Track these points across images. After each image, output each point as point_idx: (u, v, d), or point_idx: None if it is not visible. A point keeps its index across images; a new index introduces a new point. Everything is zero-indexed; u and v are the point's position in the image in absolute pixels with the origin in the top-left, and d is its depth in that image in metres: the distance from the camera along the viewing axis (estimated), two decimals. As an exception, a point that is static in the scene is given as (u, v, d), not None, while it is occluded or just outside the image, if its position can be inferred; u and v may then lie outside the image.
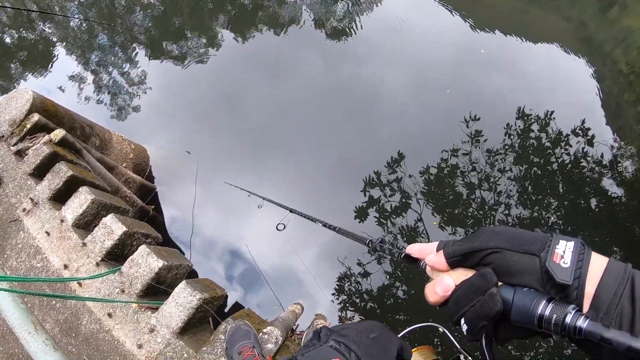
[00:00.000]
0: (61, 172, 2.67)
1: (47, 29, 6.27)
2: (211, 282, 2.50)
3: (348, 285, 4.00)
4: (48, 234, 2.50)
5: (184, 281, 2.24)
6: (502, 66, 5.94)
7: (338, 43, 5.82)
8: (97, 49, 5.89)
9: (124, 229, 2.43)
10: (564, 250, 0.49)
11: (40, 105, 3.06)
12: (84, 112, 3.73)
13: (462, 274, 0.55)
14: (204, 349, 2.14)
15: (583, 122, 5.18)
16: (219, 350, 2.14)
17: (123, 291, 2.28)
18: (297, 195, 4.42)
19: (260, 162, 4.65)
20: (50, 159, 2.79)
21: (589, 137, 5.10)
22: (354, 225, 4.23)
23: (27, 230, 2.54)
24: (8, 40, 6.15)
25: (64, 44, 6.01)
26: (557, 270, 0.48)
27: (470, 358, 0.64)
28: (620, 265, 0.49)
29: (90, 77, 5.57)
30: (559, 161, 4.88)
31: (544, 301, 0.48)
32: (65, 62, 5.75)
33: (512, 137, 5.00)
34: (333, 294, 3.98)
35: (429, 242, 0.65)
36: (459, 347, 0.68)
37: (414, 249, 0.66)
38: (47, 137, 2.92)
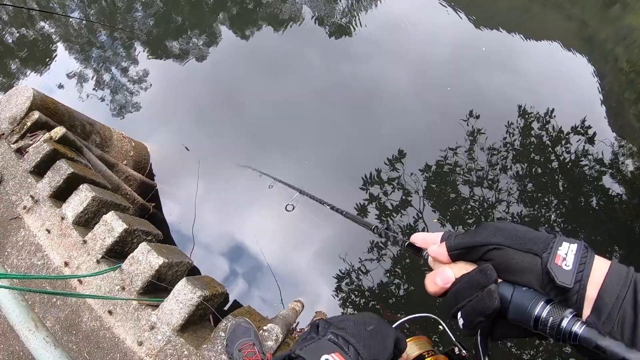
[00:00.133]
0: (61, 170, 2.67)
1: (47, 27, 6.26)
2: (212, 280, 2.50)
3: (348, 283, 4.01)
4: (48, 231, 2.50)
5: (184, 278, 2.24)
6: (503, 64, 5.94)
7: (339, 40, 5.81)
8: (98, 46, 5.89)
9: (125, 226, 2.43)
10: (567, 253, 0.49)
11: (41, 103, 3.06)
12: (85, 110, 3.73)
13: (463, 268, 0.55)
14: (205, 346, 2.14)
15: (584, 120, 5.17)
16: (219, 347, 2.14)
17: (123, 288, 2.28)
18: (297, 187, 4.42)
19: (260, 159, 4.65)
20: (51, 157, 2.79)
21: (589, 136, 5.09)
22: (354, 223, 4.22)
23: (27, 227, 2.54)
24: (9, 38, 6.15)
25: (64, 41, 6.01)
26: (559, 272, 0.48)
27: (464, 351, 0.64)
28: (623, 268, 0.48)
29: (90, 75, 5.56)
30: (560, 159, 4.88)
31: (542, 302, 0.48)
32: (65, 60, 5.75)
33: (512, 135, 5.00)
34: (334, 291, 3.98)
35: None
36: (453, 339, 0.68)
37: (419, 238, 0.66)
38: (47, 134, 2.93)
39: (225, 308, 3.58)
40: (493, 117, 5.06)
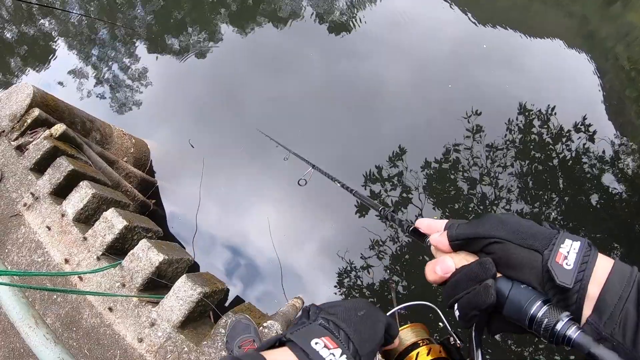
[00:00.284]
0: (62, 167, 2.67)
1: (47, 24, 6.26)
2: (212, 276, 2.50)
3: (348, 280, 4.01)
4: (49, 228, 2.51)
5: (184, 275, 2.24)
6: (503, 61, 5.92)
7: (339, 37, 5.80)
8: (98, 43, 5.88)
9: (125, 223, 2.43)
10: (569, 251, 0.48)
11: (41, 100, 3.06)
12: (85, 107, 3.73)
13: (464, 258, 0.55)
14: (205, 342, 2.15)
15: (584, 118, 5.16)
16: (220, 344, 2.15)
17: (124, 285, 2.28)
18: (299, 188, 4.43)
19: (261, 156, 4.65)
20: (51, 154, 2.79)
21: (590, 133, 5.08)
22: (354, 219, 4.23)
23: (28, 225, 2.54)
24: (8, 35, 6.14)
25: (64, 38, 6.00)
26: (559, 271, 0.47)
27: (459, 342, 0.64)
28: (627, 268, 0.47)
29: (90, 72, 5.56)
30: (560, 157, 4.87)
31: (539, 302, 0.47)
32: (65, 57, 5.75)
33: (513, 132, 4.99)
34: (334, 287, 3.99)
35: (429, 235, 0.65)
36: (449, 329, 0.68)
37: (424, 224, 0.65)
38: (47, 131, 2.93)
39: (226, 305, 3.58)
40: (494, 114, 5.05)
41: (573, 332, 0.44)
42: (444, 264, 0.55)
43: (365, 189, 4.48)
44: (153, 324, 2.16)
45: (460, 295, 0.52)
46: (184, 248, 2.91)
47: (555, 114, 5.14)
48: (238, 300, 3.73)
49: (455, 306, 0.53)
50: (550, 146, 4.95)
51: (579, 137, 5.04)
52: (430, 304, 0.76)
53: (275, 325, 2.32)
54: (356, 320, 0.56)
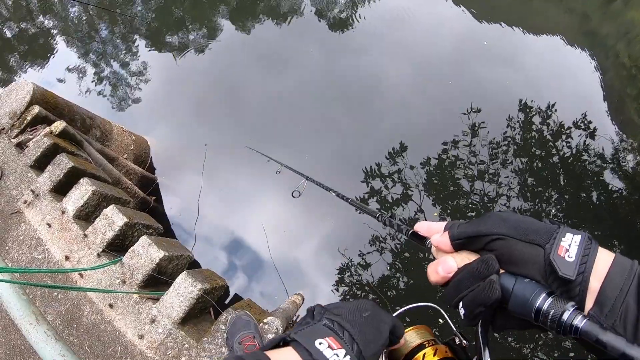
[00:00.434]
0: (62, 164, 2.67)
1: (46, 21, 6.25)
2: (212, 273, 2.51)
3: (348, 277, 4.02)
4: (49, 225, 2.51)
5: (184, 272, 2.25)
6: (504, 58, 5.91)
7: (339, 34, 5.79)
8: (97, 40, 5.87)
9: (125, 220, 2.43)
10: (570, 244, 0.49)
11: (41, 98, 3.06)
12: (85, 104, 3.73)
13: (466, 257, 0.55)
14: (205, 339, 2.15)
15: (585, 115, 5.16)
16: (220, 340, 2.15)
17: (124, 282, 2.29)
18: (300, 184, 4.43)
19: (261, 152, 4.65)
20: (51, 151, 2.79)
21: (590, 130, 5.08)
22: (355, 215, 4.24)
23: (28, 222, 2.54)
24: (8, 32, 6.13)
25: (64, 36, 5.99)
26: (561, 263, 0.47)
27: (465, 341, 0.64)
28: (627, 261, 0.48)
29: (90, 69, 5.55)
30: (560, 154, 4.87)
31: (544, 294, 0.47)
32: (65, 54, 5.74)
33: (513, 129, 4.99)
34: (334, 285, 3.99)
35: None
36: (454, 329, 0.68)
37: (423, 227, 0.66)
38: (47, 129, 2.92)
39: (226, 301, 3.59)
40: (494, 111, 5.05)
41: (580, 321, 0.45)
42: (446, 264, 0.55)
43: (367, 185, 4.48)
44: (153, 321, 2.17)
45: (464, 293, 0.52)
46: (184, 245, 2.91)
47: (555, 111, 5.14)
48: (238, 297, 3.74)
49: (460, 305, 0.53)
50: (551, 143, 4.95)
51: (579, 135, 5.04)
52: (435, 305, 0.76)
53: (275, 321, 2.33)
54: (361, 321, 0.56)
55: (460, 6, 6.28)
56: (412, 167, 4.57)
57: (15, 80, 4.87)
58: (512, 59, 5.94)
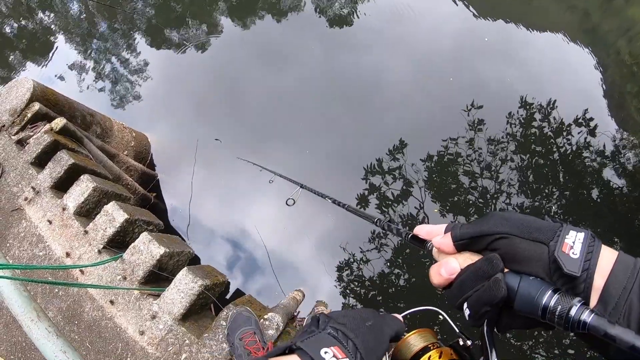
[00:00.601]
0: (62, 161, 2.67)
1: (46, 18, 6.24)
2: (213, 269, 2.51)
3: (349, 273, 4.02)
4: (50, 222, 2.51)
5: (185, 268, 2.25)
6: (505, 55, 5.90)
7: (340, 30, 5.78)
8: (97, 37, 5.87)
9: (126, 216, 2.44)
10: (574, 241, 0.48)
11: (41, 95, 3.06)
12: (85, 101, 3.72)
13: (469, 258, 0.55)
14: (206, 335, 2.15)
15: (585, 112, 5.15)
16: (221, 336, 2.16)
17: (125, 278, 2.29)
18: (300, 181, 4.43)
19: (261, 149, 4.65)
20: (52, 148, 2.79)
21: (591, 127, 5.07)
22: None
23: (29, 219, 2.55)
24: (8, 29, 6.12)
25: (64, 32, 5.98)
26: (566, 260, 0.47)
27: (469, 342, 0.64)
28: (630, 259, 0.48)
29: (90, 66, 5.55)
30: (561, 151, 4.87)
31: (550, 291, 0.47)
32: (65, 51, 5.73)
33: (514, 125, 4.98)
34: (335, 280, 4.00)
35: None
36: (457, 330, 0.68)
37: (422, 230, 0.65)
38: (47, 126, 2.92)
39: (227, 297, 3.60)
40: (495, 108, 5.04)
41: (587, 316, 0.44)
42: (448, 266, 0.55)
43: (366, 182, 4.48)
44: (154, 317, 2.17)
45: (469, 293, 0.52)
46: (185, 241, 2.91)
47: (556, 107, 5.13)
48: (239, 293, 3.75)
49: (465, 305, 0.52)
50: (551, 140, 4.94)
51: (580, 132, 5.03)
52: (436, 309, 0.75)
53: (276, 317, 2.33)
54: (364, 330, 0.57)
55: (461, 2, 6.26)
56: (412, 164, 4.57)
57: (15, 78, 4.86)
58: (512, 55, 5.92)
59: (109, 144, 3.71)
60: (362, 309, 0.62)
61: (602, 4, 7.51)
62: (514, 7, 6.84)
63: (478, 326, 0.53)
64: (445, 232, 0.59)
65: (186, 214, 4.22)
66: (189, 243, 3.83)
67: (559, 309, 0.46)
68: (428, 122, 5.04)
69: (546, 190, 4.60)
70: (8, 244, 2.52)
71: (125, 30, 5.86)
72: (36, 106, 2.93)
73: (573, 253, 0.48)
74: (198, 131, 4.75)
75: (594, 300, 0.47)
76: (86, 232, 2.44)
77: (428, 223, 0.67)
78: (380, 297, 3.93)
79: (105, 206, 2.49)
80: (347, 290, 3.96)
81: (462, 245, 0.56)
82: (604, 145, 4.94)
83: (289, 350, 0.54)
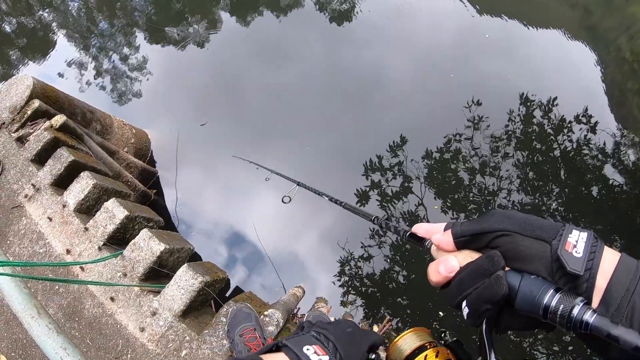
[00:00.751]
0: (62, 158, 2.67)
1: (46, 15, 6.22)
2: (213, 265, 2.51)
3: (349, 269, 4.03)
4: (50, 219, 2.51)
5: (185, 264, 2.25)
6: (505, 51, 5.89)
7: (340, 27, 5.77)
8: (97, 34, 5.85)
9: (126, 213, 2.44)
10: (577, 240, 0.48)
11: (41, 92, 3.05)
12: (85, 98, 3.72)
13: (468, 256, 0.54)
14: (206, 331, 2.16)
15: (586, 109, 5.15)
16: (221, 332, 2.16)
17: (125, 275, 2.29)
18: (298, 177, 4.42)
19: (261, 146, 4.65)
20: (52, 145, 2.79)
21: (591, 125, 5.07)
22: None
23: (29, 216, 2.55)
24: (7, 27, 6.11)
25: (64, 30, 5.97)
26: (569, 259, 0.46)
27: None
28: (633, 261, 0.47)
29: (90, 63, 5.54)
30: (561, 148, 4.87)
31: (552, 290, 0.46)
32: (65, 48, 5.72)
33: (514, 122, 4.98)
34: (335, 276, 4.00)
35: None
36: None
37: (421, 229, 0.65)
38: (47, 123, 2.92)
39: (227, 294, 3.60)
40: (495, 105, 5.04)
41: (590, 316, 0.44)
42: (447, 264, 0.54)
43: (367, 178, 4.48)
44: (155, 313, 2.17)
45: (469, 291, 0.51)
46: (185, 237, 2.91)
47: (557, 104, 5.13)
48: (239, 290, 3.75)
49: (463, 304, 0.51)
50: (552, 137, 4.94)
51: (580, 129, 5.03)
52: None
53: (276, 314, 2.33)
54: (343, 335, 0.61)
55: (461, -1, 6.25)
56: (413, 160, 4.57)
57: (15, 75, 4.86)
58: (513, 52, 5.91)
59: (109, 140, 3.71)
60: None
61: (603, 1, 7.49)
62: (514, 3, 6.83)
63: (477, 325, 0.52)
64: (445, 230, 0.58)
65: (186, 210, 4.23)
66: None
67: (560, 308, 0.45)
68: (428, 119, 5.03)
69: (546, 187, 4.60)
70: (8, 241, 2.52)
71: (124, 27, 5.85)
72: (36, 103, 2.93)
73: (576, 252, 0.47)
74: (198, 128, 4.75)
75: (596, 301, 0.46)
76: (86, 229, 2.44)
77: (428, 220, 0.67)
78: (380, 294, 3.94)
79: (105, 203, 2.49)
80: (347, 287, 3.97)
81: (462, 242, 0.55)
82: (605, 143, 4.94)
83: (276, 348, 0.58)
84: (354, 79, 5.25)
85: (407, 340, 0.66)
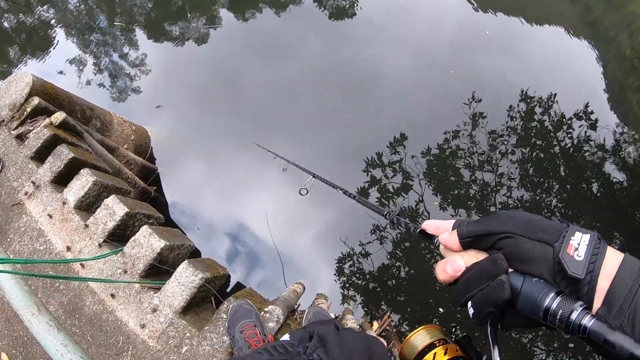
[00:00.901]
0: (62, 155, 2.67)
1: (45, 13, 6.21)
2: (213, 262, 2.51)
3: (349, 266, 4.03)
4: (50, 216, 2.51)
5: (186, 261, 2.25)
6: (506, 48, 5.88)
7: (340, 23, 5.76)
8: (97, 31, 5.84)
9: (126, 210, 2.44)
10: (579, 243, 0.48)
11: (40, 89, 3.05)
12: (85, 95, 3.71)
13: (474, 256, 0.55)
14: (206, 328, 2.16)
15: (586, 106, 5.14)
16: (221, 329, 2.16)
17: (125, 272, 2.29)
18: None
19: (261, 142, 4.65)
20: (51, 142, 2.79)
21: (592, 121, 5.07)
22: (355, 205, 4.24)
23: (29, 213, 2.55)
24: (7, 24, 6.10)
25: (63, 27, 5.96)
26: (570, 262, 0.47)
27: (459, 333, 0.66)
28: (636, 261, 0.48)
29: (89, 60, 5.53)
30: (561, 145, 4.87)
31: (552, 294, 0.47)
32: (64, 46, 5.71)
33: (514, 119, 4.98)
34: (335, 274, 4.01)
35: None
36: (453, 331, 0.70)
37: (431, 225, 0.66)
38: (47, 120, 2.92)
39: (227, 290, 3.61)
40: (495, 101, 5.04)
41: (588, 321, 0.45)
42: (454, 263, 0.55)
43: (367, 175, 4.48)
44: (155, 310, 2.18)
45: (473, 292, 0.52)
46: (185, 234, 2.92)
47: (557, 101, 5.12)
48: (239, 286, 3.76)
49: (469, 304, 0.53)
50: (552, 134, 4.94)
51: (581, 125, 5.03)
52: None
53: (276, 310, 2.34)
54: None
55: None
56: (413, 157, 4.57)
57: (14, 72, 4.85)
58: (513, 48, 5.91)
59: (108, 137, 3.70)
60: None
61: (604, -2, 7.49)
62: (515, 0, 6.81)
63: (482, 325, 0.53)
64: (453, 228, 0.59)
65: (186, 207, 4.23)
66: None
67: (560, 312, 0.46)
68: (429, 115, 5.03)
69: (546, 184, 4.60)
70: (9, 239, 2.52)
71: (124, 24, 5.84)
72: (35, 100, 2.92)
73: (577, 255, 0.47)
74: (198, 124, 4.75)
75: (598, 303, 0.47)
76: (86, 226, 2.44)
77: (429, 217, 0.67)
78: (380, 290, 3.94)
79: (105, 200, 2.49)
80: (347, 283, 3.97)
81: (467, 243, 0.56)
82: (605, 140, 4.94)
83: None
84: (354, 75, 5.25)
85: (419, 338, 0.68)
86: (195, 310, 2.30)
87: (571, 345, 3.77)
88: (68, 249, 2.40)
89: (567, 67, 5.83)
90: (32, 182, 2.61)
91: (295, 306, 2.97)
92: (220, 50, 5.50)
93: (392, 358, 0.64)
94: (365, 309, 3.82)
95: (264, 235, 4.05)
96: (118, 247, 2.37)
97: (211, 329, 2.16)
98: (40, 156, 2.78)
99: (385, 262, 4.02)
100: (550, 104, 5.12)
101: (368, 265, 4.01)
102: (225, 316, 2.21)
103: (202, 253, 3.90)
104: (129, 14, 5.92)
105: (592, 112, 5.10)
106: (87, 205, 2.60)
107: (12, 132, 2.86)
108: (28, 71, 3.11)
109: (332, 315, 2.62)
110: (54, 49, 5.69)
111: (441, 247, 0.61)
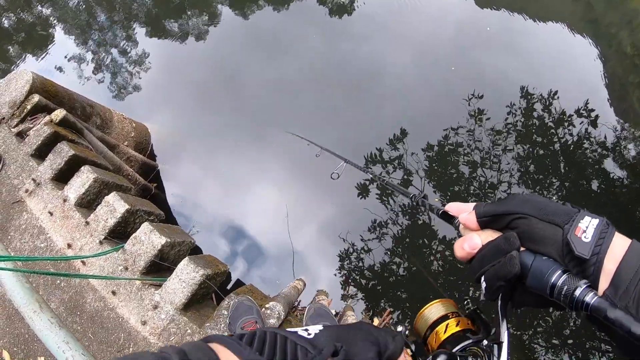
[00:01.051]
0: (63, 152, 2.67)
1: (45, 10, 6.19)
2: (214, 259, 2.52)
3: (349, 263, 4.03)
4: (51, 214, 2.51)
5: (186, 257, 2.25)
6: (507, 44, 5.87)
7: (340, 19, 5.75)
8: (96, 28, 5.83)
9: (127, 206, 2.44)
10: (587, 226, 0.51)
11: (40, 86, 3.05)
12: (85, 92, 3.71)
13: (490, 235, 0.58)
14: (207, 324, 2.17)
15: (587, 103, 5.13)
16: (222, 325, 2.17)
17: (126, 269, 2.30)
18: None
19: (261, 140, 4.64)
20: (52, 139, 2.79)
21: (592, 118, 5.06)
22: (356, 202, 4.25)
23: (30, 211, 2.55)
24: (6, 22, 6.08)
25: (63, 24, 5.95)
26: (577, 243, 0.50)
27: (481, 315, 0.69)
28: None
29: (89, 57, 5.52)
30: (562, 141, 4.86)
31: (559, 271, 0.50)
32: (64, 43, 5.70)
33: (515, 115, 4.97)
34: (336, 269, 4.01)
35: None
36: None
37: (453, 207, 0.70)
38: (47, 117, 2.92)
39: (228, 287, 3.61)
40: (496, 98, 5.03)
41: (590, 298, 0.47)
42: (471, 241, 0.58)
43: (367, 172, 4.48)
44: (156, 307, 2.18)
45: (487, 267, 0.55)
46: (186, 231, 2.92)
47: (557, 98, 5.11)
48: (240, 283, 3.76)
49: (482, 279, 0.56)
50: (552, 130, 4.93)
51: (581, 122, 5.02)
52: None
53: (277, 306, 2.34)
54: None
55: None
56: (413, 153, 4.56)
57: (14, 70, 4.85)
58: (514, 45, 5.89)
59: (109, 134, 3.70)
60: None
61: (605, -5, 7.45)
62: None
63: (493, 300, 0.57)
64: (473, 209, 0.62)
65: (186, 205, 4.23)
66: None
67: (565, 288, 0.49)
68: (429, 112, 5.03)
69: (547, 181, 4.60)
70: (9, 236, 2.52)
71: (123, 21, 5.83)
72: (35, 98, 2.92)
73: (585, 237, 0.50)
74: (198, 121, 4.75)
75: (605, 284, 0.49)
76: (87, 223, 2.45)
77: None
78: (380, 286, 3.95)
79: (106, 197, 2.49)
80: (347, 279, 3.97)
81: (484, 222, 0.59)
82: (605, 137, 4.93)
83: None
84: (354, 71, 5.24)
85: (433, 310, 0.72)
86: (197, 306, 2.30)
87: (570, 341, 3.77)
88: (69, 246, 2.41)
89: (568, 64, 5.81)
90: (33, 179, 2.61)
91: (296, 302, 2.97)
92: (221, 48, 5.49)
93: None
94: (367, 303, 3.83)
95: (265, 232, 4.06)
96: (119, 244, 2.38)
97: (212, 325, 2.17)
98: (41, 154, 2.78)
99: (385, 259, 4.03)
100: (550, 100, 5.11)
101: (369, 261, 4.02)
102: (226, 313, 2.21)
103: (202, 250, 3.90)
104: (128, 10, 5.91)
105: (592, 109, 5.09)
106: (88, 203, 2.60)
107: (13, 129, 2.86)
108: (28, 68, 3.11)
109: (333, 312, 2.62)
110: (53, 46, 5.68)
111: (461, 226, 0.65)
